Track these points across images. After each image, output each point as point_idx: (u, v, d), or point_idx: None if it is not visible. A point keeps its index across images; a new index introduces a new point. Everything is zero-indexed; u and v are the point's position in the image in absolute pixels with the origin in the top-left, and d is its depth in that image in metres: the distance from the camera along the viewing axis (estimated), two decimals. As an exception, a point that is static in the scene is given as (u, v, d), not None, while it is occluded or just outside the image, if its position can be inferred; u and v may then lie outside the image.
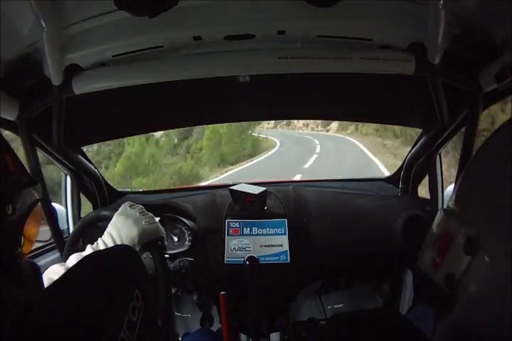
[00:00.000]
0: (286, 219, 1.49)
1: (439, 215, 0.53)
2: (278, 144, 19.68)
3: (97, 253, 0.57)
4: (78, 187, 1.60)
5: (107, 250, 0.69)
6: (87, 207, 1.75)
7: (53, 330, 0.37)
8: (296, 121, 25.81)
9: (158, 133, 15.41)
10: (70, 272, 0.48)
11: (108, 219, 1.32)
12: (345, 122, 19.72)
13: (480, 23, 0.95)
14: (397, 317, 0.72)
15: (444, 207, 1.53)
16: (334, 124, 23.96)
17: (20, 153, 0.95)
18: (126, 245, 1.42)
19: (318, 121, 24.46)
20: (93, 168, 1.64)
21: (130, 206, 1.04)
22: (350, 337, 0.65)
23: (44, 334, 0.37)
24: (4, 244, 0.46)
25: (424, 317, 1.31)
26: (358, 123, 16.27)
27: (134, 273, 0.53)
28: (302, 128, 28.37)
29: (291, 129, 28.95)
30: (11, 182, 0.47)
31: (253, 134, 18.76)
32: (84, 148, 1.70)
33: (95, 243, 0.98)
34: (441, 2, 0.88)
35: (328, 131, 24.59)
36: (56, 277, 0.46)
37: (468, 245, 0.43)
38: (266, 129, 24.94)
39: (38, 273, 0.55)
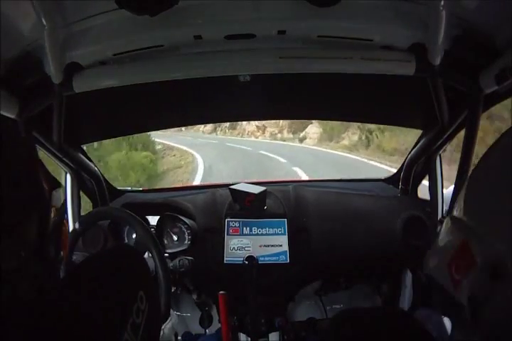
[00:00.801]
0: (285, 219, 1.49)
1: (448, 224, 0.50)
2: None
3: (99, 254, 0.57)
4: (78, 186, 1.60)
5: (110, 250, 0.69)
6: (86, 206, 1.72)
7: (56, 332, 0.37)
8: (244, 122, 16.40)
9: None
10: (72, 273, 0.48)
11: (108, 217, 1.32)
12: (332, 127, 12.68)
13: (480, 24, 0.95)
14: (401, 316, 0.71)
15: (445, 208, 1.52)
16: (311, 129, 14.13)
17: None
18: (129, 245, 1.43)
19: (280, 123, 15.62)
20: (93, 166, 1.64)
21: None
22: (351, 336, 0.65)
23: (46, 334, 0.37)
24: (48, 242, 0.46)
25: (428, 319, 1.31)
26: (358, 129, 11.60)
27: (137, 274, 0.53)
28: (255, 133, 17.55)
29: (238, 135, 18.36)
30: (44, 187, 0.47)
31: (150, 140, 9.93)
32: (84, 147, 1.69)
33: None
34: (442, 3, 0.88)
35: (302, 141, 14.61)
36: None
37: (494, 271, 0.41)
38: (202, 133, 18.69)
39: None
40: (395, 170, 1.89)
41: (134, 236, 1.50)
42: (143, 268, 0.56)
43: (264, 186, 1.50)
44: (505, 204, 0.42)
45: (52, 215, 0.47)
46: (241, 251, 1.44)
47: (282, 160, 9.86)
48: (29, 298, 0.40)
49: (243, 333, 1.47)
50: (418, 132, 1.68)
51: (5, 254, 0.38)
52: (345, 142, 11.28)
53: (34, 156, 0.47)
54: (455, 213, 0.49)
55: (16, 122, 1.14)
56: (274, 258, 1.43)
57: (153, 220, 1.50)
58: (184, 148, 13.52)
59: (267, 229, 1.48)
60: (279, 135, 16.26)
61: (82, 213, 1.61)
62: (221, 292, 1.26)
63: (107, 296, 0.45)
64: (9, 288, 0.38)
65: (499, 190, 0.43)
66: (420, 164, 1.64)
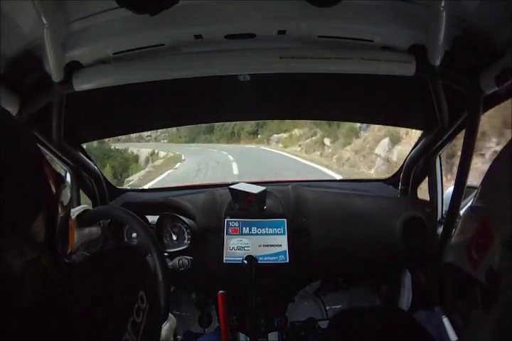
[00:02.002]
0: (285, 219, 1.49)
1: (466, 214, 0.53)
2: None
3: (100, 254, 0.57)
4: (78, 184, 1.60)
5: (110, 250, 0.69)
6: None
7: (56, 331, 0.37)
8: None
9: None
10: (72, 272, 0.48)
11: (107, 217, 1.32)
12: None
13: (481, 25, 0.95)
14: (401, 316, 0.71)
15: (445, 209, 1.53)
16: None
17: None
18: (131, 245, 1.43)
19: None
20: (93, 165, 1.64)
21: None
22: (351, 336, 0.65)
23: (46, 334, 0.37)
24: (58, 237, 0.47)
25: (427, 320, 1.32)
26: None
27: (138, 274, 0.53)
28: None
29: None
30: (50, 182, 0.47)
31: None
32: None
33: None
34: (442, 4, 0.88)
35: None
36: None
37: (511, 242, 0.43)
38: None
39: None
40: None
41: (133, 235, 1.50)
42: (144, 267, 0.56)
43: (264, 186, 1.50)
44: None
45: (59, 211, 0.47)
46: (240, 251, 1.44)
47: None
48: (35, 296, 0.40)
49: (242, 333, 1.48)
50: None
51: (11, 253, 0.38)
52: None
53: (39, 153, 0.47)
54: (472, 204, 0.52)
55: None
56: (273, 258, 1.43)
57: (152, 220, 1.50)
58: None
59: (267, 228, 1.48)
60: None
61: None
62: (220, 291, 1.26)
63: (108, 296, 0.45)
64: (15, 286, 0.38)
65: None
66: (420, 165, 1.64)
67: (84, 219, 1.19)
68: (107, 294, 0.45)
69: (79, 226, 1.01)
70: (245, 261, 1.38)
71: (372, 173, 10.52)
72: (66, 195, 0.50)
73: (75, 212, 1.03)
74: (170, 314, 1.02)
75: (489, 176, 0.54)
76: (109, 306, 0.44)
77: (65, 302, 0.40)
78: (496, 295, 0.45)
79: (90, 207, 1.12)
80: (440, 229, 1.41)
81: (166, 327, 0.99)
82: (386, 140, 10.46)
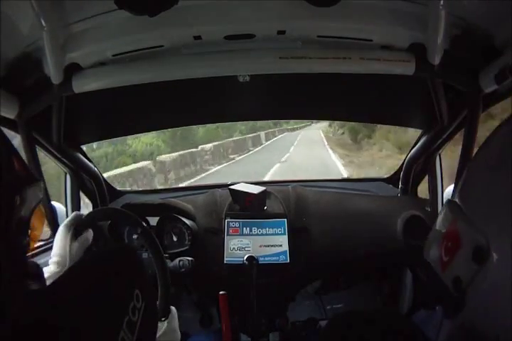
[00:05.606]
0: (285, 219, 1.49)
1: (445, 208, 0.50)
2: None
3: (96, 254, 0.57)
4: (78, 186, 1.60)
5: (107, 250, 0.69)
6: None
7: (52, 330, 0.37)
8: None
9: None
10: (69, 272, 0.48)
11: (108, 218, 1.32)
12: None
13: (480, 24, 0.95)
14: (400, 318, 0.71)
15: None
16: None
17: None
18: (127, 245, 1.43)
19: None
20: (93, 166, 1.64)
21: None
22: (350, 337, 0.64)
23: (43, 333, 0.37)
24: (14, 232, 0.46)
25: (428, 320, 1.31)
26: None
27: (134, 273, 0.53)
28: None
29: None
30: (18, 176, 0.46)
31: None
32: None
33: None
34: (441, 3, 0.88)
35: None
36: None
37: (477, 253, 0.41)
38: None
39: (41, 274, 0.55)
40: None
41: (134, 236, 1.50)
42: (139, 267, 0.56)
43: (264, 186, 1.50)
44: (499, 191, 0.42)
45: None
46: (241, 251, 1.44)
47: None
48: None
49: (243, 333, 1.47)
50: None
51: None
52: None
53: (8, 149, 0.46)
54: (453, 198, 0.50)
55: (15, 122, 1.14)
56: (274, 258, 1.43)
57: (153, 221, 1.50)
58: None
59: (267, 229, 1.48)
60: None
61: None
62: (221, 292, 1.26)
63: (103, 295, 0.45)
64: None
65: (494, 177, 0.44)
66: (420, 164, 1.64)
67: (83, 222, 1.18)
68: (102, 293, 0.45)
69: (75, 235, 0.99)
70: (246, 262, 1.38)
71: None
72: (29, 195, 0.48)
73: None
74: (171, 307, 1.01)
75: (472, 170, 0.50)
76: (104, 305, 0.44)
77: (61, 301, 0.40)
78: (462, 305, 0.44)
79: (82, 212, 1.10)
80: (440, 228, 1.41)
81: (169, 320, 0.98)
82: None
